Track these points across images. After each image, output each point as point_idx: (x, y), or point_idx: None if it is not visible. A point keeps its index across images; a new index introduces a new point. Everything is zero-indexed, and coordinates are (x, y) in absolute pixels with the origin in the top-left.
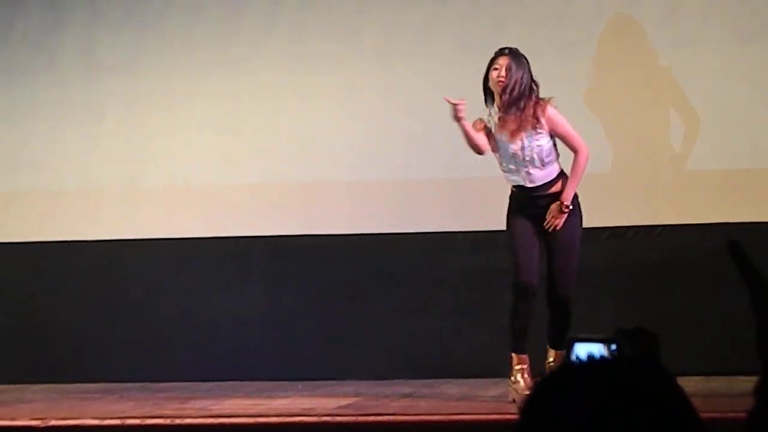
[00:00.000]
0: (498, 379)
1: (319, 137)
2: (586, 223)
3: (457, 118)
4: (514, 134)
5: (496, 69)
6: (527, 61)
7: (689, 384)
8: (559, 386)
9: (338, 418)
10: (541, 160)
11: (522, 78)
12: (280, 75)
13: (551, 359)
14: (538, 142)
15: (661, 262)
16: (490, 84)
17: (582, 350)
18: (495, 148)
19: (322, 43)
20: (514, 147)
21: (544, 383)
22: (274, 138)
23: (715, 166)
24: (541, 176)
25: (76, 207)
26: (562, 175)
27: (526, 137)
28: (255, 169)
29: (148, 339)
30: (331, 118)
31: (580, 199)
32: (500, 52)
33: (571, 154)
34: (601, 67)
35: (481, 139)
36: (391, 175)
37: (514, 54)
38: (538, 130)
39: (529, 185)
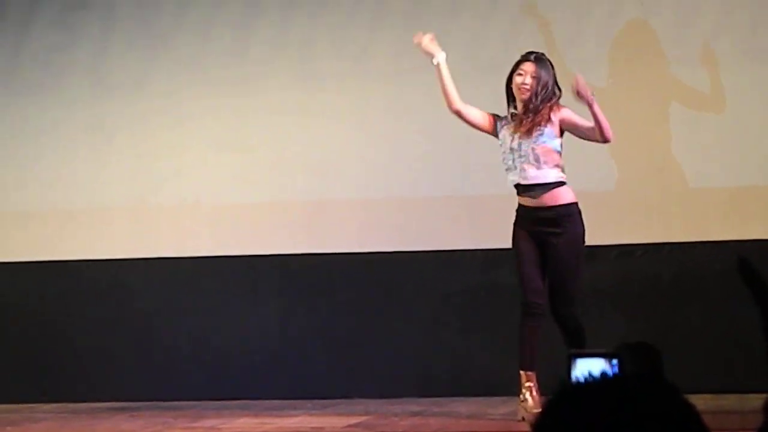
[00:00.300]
0: (507, 398)
1: (329, 156)
2: (594, 241)
3: (429, 54)
4: (520, 131)
5: (520, 74)
6: (552, 66)
7: (699, 401)
8: (570, 402)
9: None
10: (537, 158)
11: (547, 84)
12: (290, 93)
13: None
14: (538, 141)
15: (671, 279)
16: (513, 87)
17: (584, 366)
18: (497, 138)
19: (332, 61)
20: (514, 142)
21: (555, 400)
22: (284, 156)
23: (724, 183)
24: (535, 175)
25: (86, 226)
26: (563, 186)
27: (526, 132)
28: (265, 187)
29: (158, 358)
30: (341, 137)
31: (586, 216)
32: (525, 57)
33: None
34: (608, 84)
35: (454, 93)
36: (400, 193)
37: (539, 60)
38: (545, 130)
39: (523, 182)
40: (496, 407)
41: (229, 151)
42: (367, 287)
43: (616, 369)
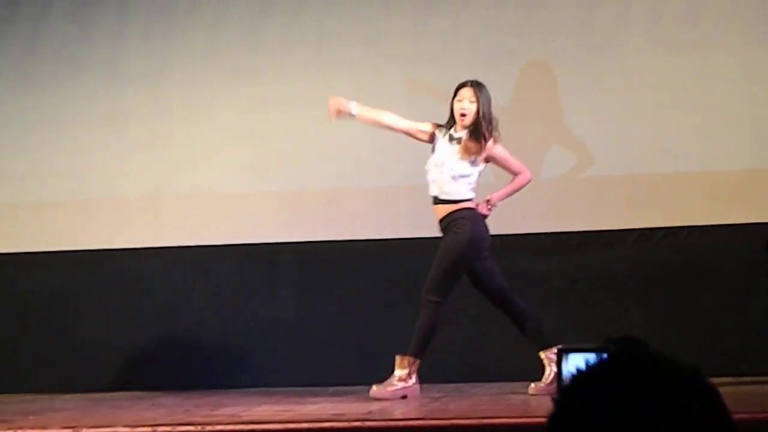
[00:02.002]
0: (527, 383)
1: (344, 143)
2: (613, 226)
3: (344, 112)
4: (458, 153)
5: (459, 100)
6: (488, 94)
7: (718, 385)
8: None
9: (368, 423)
10: (454, 177)
11: (485, 111)
12: (303, 83)
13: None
14: (461, 164)
15: (690, 263)
16: (454, 112)
17: (575, 360)
18: (432, 150)
19: (345, 50)
20: (442, 157)
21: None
22: (298, 145)
23: (741, 166)
24: (446, 189)
25: (103, 216)
26: (465, 207)
27: (456, 154)
28: (280, 176)
29: (177, 347)
30: (355, 125)
31: (605, 200)
32: (463, 84)
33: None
34: (624, 69)
35: (389, 119)
36: (415, 180)
37: (477, 85)
38: (472, 156)
39: (442, 197)
40: (515, 392)
41: (244, 140)
42: (384, 274)
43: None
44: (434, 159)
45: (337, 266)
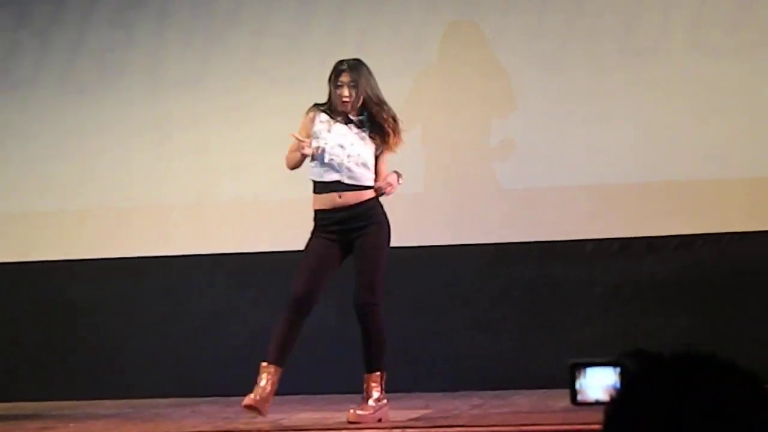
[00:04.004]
0: (567, 390)
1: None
2: (653, 232)
3: (303, 155)
4: (355, 133)
5: (339, 86)
6: (369, 71)
7: None
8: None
9: (409, 430)
10: (365, 163)
11: (367, 91)
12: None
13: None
14: (367, 151)
15: (732, 269)
16: (334, 100)
17: (594, 375)
18: (314, 137)
19: (386, 58)
20: (346, 139)
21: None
22: None
23: None
24: (359, 176)
25: (145, 223)
26: (373, 196)
27: (359, 139)
28: None
29: (218, 353)
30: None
31: (645, 207)
32: (340, 66)
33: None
34: (666, 74)
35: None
36: (453, 187)
37: (353, 68)
38: (376, 142)
39: (348, 182)
40: (556, 400)
41: (287, 148)
42: (424, 281)
43: (618, 378)
44: (332, 140)
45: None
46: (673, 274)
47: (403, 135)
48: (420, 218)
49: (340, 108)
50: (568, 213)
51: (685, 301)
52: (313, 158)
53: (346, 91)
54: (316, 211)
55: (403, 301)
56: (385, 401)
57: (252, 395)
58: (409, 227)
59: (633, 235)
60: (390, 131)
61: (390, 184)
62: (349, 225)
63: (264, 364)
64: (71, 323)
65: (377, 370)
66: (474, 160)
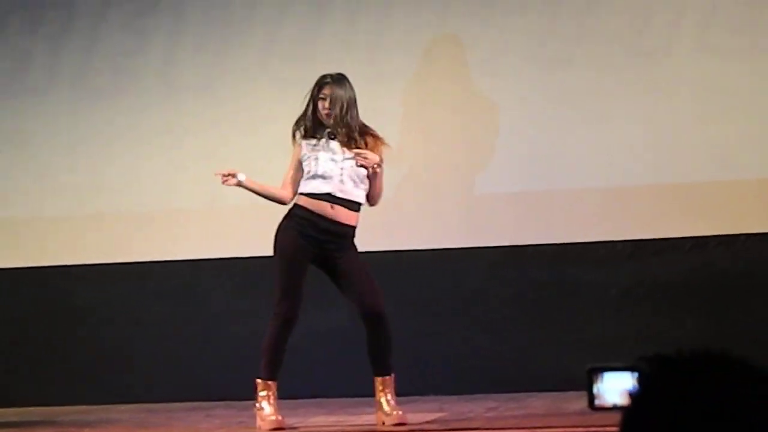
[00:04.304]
0: (581, 392)
1: (396, 154)
2: (667, 234)
3: (234, 184)
4: (347, 147)
5: (321, 98)
6: (350, 85)
7: None
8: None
9: None
10: (359, 178)
11: (344, 105)
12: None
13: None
14: (359, 168)
15: (745, 271)
16: (319, 113)
17: (611, 379)
18: (307, 160)
19: (397, 61)
20: (337, 154)
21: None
22: None
23: None
24: (352, 192)
25: (159, 228)
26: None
27: (349, 154)
28: None
29: (232, 357)
30: (408, 135)
31: (655, 209)
32: (323, 80)
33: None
34: (676, 76)
35: (277, 192)
36: (466, 190)
37: (337, 81)
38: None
39: (340, 195)
40: (571, 402)
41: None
42: (438, 284)
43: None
44: (323, 155)
45: (390, 276)
46: (686, 275)
47: (386, 150)
48: (432, 221)
49: (324, 120)
50: (580, 215)
51: (698, 303)
52: (307, 176)
53: (327, 104)
54: (299, 206)
55: (417, 305)
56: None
57: (270, 418)
58: (422, 230)
59: (645, 237)
60: (370, 148)
61: (368, 158)
62: (331, 242)
63: (261, 382)
64: (83, 328)
65: (392, 373)
66: (486, 162)
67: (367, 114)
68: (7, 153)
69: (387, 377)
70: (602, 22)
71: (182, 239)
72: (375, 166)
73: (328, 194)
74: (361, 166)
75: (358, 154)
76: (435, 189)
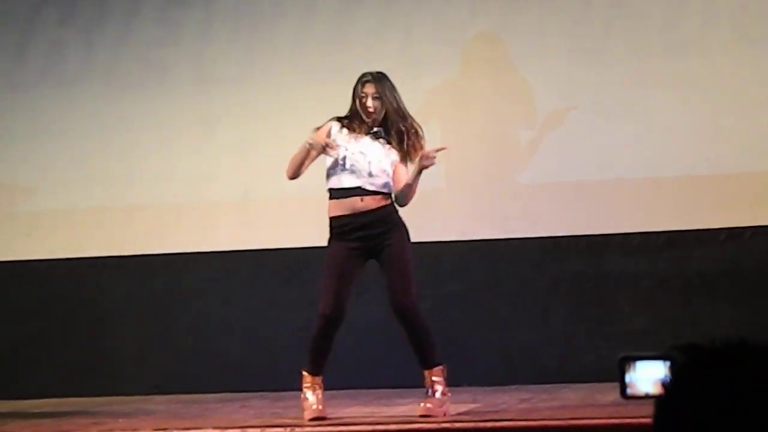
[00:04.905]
0: (616, 384)
1: (432, 146)
2: (702, 225)
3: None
4: (372, 142)
5: (363, 97)
6: (393, 85)
7: None
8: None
9: (458, 425)
10: (385, 170)
11: (393, 101)
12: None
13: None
14: (389, 158)
15: None
16: (360, 110)
17: (644, 368)
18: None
19: (432, 48)
20: (368, 148)
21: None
22: None
23: None
24: (380, 183)
25: (192, 219)
26: (392, 204)
27: (380, 150)
28: None
29: (266, 348)
30: (441, 125)
31: (697, 199)
32: (365, 78)
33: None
34: (711, 65)
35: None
36: (502, 182)
37: (378, 79)
38: (395, 153)
39: (369, 188)
40: (605, 393)
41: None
42: (472, 275)
43: (668, 371)
44: (354, 147)
45: (425, 268)
46: (721, 266)
47: (426, 144)
48: (469, 213)
49: (366, 118)
50: (615, 206)
51: (734, 294)
52: (334, 165)
53: (370, 102)
54: (334, 218)
55: (451, 296)
56: (449, 395)
57: (312, 407)
58: (457, 222)
59: (681, 228)
60: (411, 145)
61: (433, 157)
62: (370, 231)
63: (307, 375)
64: (118, 320)
65: (437, 365)
66: (522, 154)
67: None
68: (41, 144)
69: (427, 370)
70: (635, 13)
71: (216, 231)
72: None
73: (358, 188)
74: (424, 167)
75: (425, 156)
76: (472, 181)
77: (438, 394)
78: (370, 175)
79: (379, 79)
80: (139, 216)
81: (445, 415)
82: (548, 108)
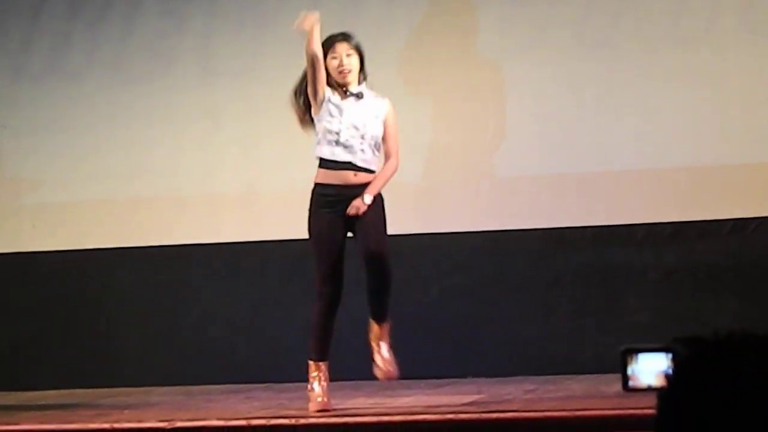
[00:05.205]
0: (620, 375)
1: (438, 138)
2: (705, 216)
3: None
4: (361, 110)
5: (334, 58)
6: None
7: None
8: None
9: (462, 416)
10: (377, 145)
11: (360, 63)
12: (396, 77)
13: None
14: (377, 130)
15: None
16: (331, 73)
17: (646, 361)
18: (322, 113)
19: (437, 45)
20: (359, 119)
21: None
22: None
23: None
24: (371, 160)
25: (197, 212)
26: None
27: (372, 117)
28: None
29: (271, 340)
30: (446, 115)
31: (699, 191)
32: (335, 38)
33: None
34: (718, 58)
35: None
36: (508, 172)
37: (351, 38)
38: (378, 119)
39: (361, 165)
40: (610, 385)
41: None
42: (477, 267)
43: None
44: (347, 120)
45: (429, 260)
46: (726, 258)
47: (451, 125)
48: (471, 203)
49: (339, 80)
50: (620, 197)
51: (739, 286)
52: (328, 136)
53: (344, 61)
54: (321, 185)
55: (455, 288)
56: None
57: (317, 399)
58: (461, 213)
59: (685, 220)
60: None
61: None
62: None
63: (312, 363)
64: (123, 311)
65: (387, 321)
66: (526, 145)
67: (402, 95)
68: (46, 137)
69: (380, 323)
70: (642, 4)
71: (222, 223)
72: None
73: (350, 163)
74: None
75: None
76: (474, 171)
77: (385, 351)
78: (363, 151)
79: (349, 36)
80: (144, 208)
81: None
82: (554, 100)
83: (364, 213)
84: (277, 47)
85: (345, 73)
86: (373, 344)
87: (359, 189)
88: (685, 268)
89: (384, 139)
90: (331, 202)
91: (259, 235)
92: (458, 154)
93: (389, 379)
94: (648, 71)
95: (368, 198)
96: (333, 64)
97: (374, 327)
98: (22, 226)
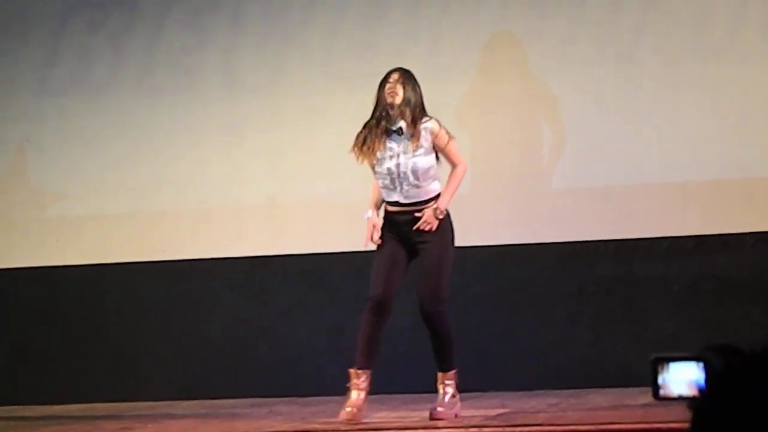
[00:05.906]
0: (644, 388)
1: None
2: (729, 230)
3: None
4: (399, 150)
5: (388, 83)
6: (417, 83)
7: None
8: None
9: (486, 430)
10: (417, 177)
11: (411, 96)
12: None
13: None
14: (414, 159)
15: None
16: (384, 98)
17: (677, 370)
18: (374, 165)
19: (459, 57)
20: (390, 163)
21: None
22: None
23: None
24: (416, 193)
25: (220, 225)
26: (435, 196)
27: (403, 154)
28: None
29: (294, 354)
30: (468, 130)
31: (725, 204)
32: (391, 71)
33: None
34: (741, 69)
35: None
36: (531, 186)
37: (405, 72)
38: (418, 148)
39: (404, 201)
40: (634, 398)
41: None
42: (500, 280)
43: (701, 373)
44: (382, 165)
45: (453, 272)
46: (749, 270)
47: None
48: (496, 217)
49: (388, 101)
50: (644, 210)
51: (762, 298)
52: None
53: (392, 87)
54: (386, 208)
55: (480, 301)
56: (458, 398)
57: (348, 409)
58: (484, 226)
59: (709, 233)
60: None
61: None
62: (414, 232)
63: (353, 371)
64: (146, 324)
65: (452, 369)
66: (550, 159)
67: (430, 111)
68: (70, 150)
69: (440, 372)
70: (666, 16)
71: (244, 236)
72: (438, 213)
73: (396, 202)
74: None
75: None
76: (500, 185)
77: (448, 397)
78: (406, 190)
79: (405, 72)
80: (166, 221)
81: (456, 416)
82: (577, 113)
83: (431, 241)
84: (300, 61)
85: (392, 93)
86: (439, 389)
87: (411, 215)
88: (709, 280)
89: (444, 155)
90: (393, 223)
91: (282, 249)
92: (481, 168)
93: (434, 418)
94: (671, 84)
95: (442, 208)
96: (386, 88)
97: (438, 375)
98: (46, 240)
